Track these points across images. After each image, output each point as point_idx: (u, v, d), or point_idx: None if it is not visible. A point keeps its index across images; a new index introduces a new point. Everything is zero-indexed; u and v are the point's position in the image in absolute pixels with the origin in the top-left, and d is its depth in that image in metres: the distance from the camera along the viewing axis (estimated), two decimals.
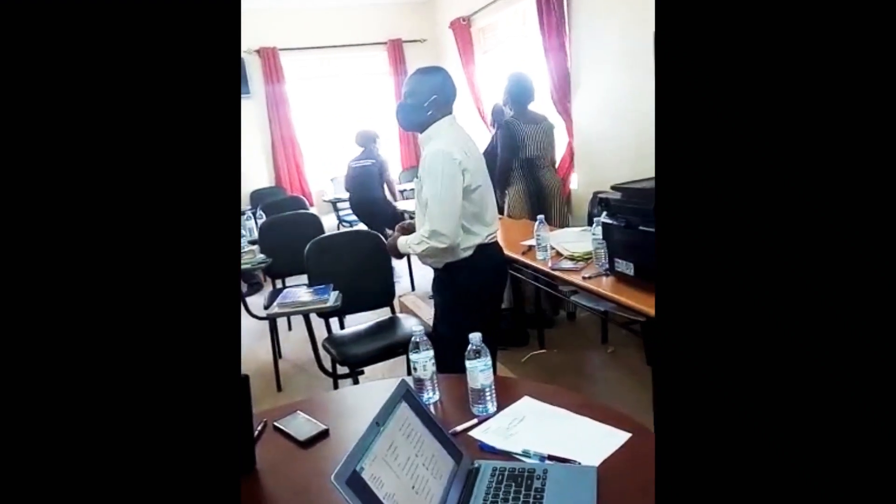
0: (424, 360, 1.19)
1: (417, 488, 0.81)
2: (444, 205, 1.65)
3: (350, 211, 4.52)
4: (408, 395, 0.93)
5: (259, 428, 1.15)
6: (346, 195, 4.39)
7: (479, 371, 1.12)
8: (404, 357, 2.48)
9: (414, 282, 4.06)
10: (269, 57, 5.09)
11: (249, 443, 1.02)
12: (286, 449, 1.10)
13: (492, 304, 1.89)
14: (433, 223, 1.65)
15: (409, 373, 2.49)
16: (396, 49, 5.54)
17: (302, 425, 1.15)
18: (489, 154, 2.92)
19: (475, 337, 1.13)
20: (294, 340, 3.32)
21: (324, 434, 1.12)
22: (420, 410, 0.93)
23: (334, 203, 5.08)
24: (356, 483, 0.73)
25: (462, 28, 4.90)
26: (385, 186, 4.29)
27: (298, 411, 1.21)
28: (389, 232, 2.01)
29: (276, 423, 1.16)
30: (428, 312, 3.13)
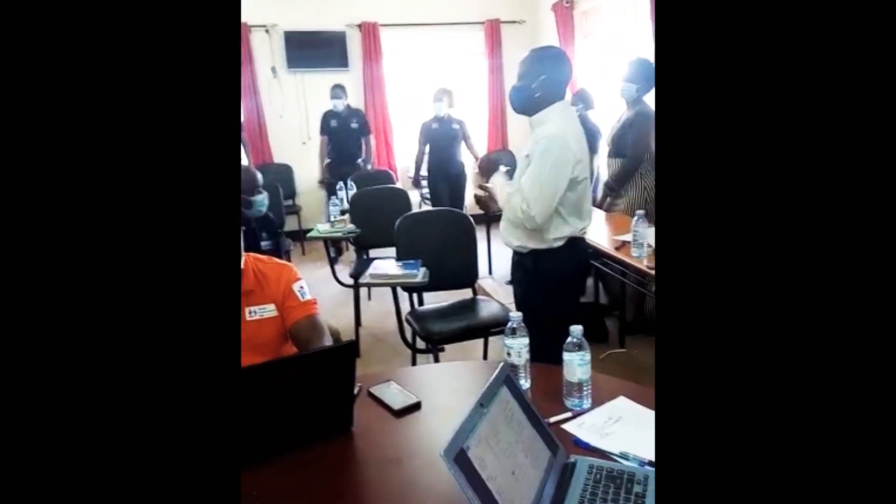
0: (520, 346, 1.18)
1: (517, 475, 0.81)
2: (545, 190, 1.61)
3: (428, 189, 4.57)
4: (508, 379, 0.93)
5: (356, 391, 1.19)
6: (428, 174, 4.43)
7: (578, 365, 1.10)
8: (481, 340, 2.51)
9: (492, 266, 4.05)
10: (369, 32, 5.18)
11: (349, 403, 1.06)
12: (380, 415, 1.14)
13: (573, 295, 1.85)
14: (532, 206, 1.62)
15: (484, 356, 2.54)
16: (494, 29, 5.46)
17: (395, 395, 1.18)
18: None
19: (576, 329, 1.10)
20: (373, 311, 3.42)
21: (416, 406, 1.15)
22: (519, 397, 0.93)
23: (418, 180, 5.15)
24: (462, 461, 0.74)
25: (564, 11, 4.74)
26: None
27: (391, 381, 1.24)
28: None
29: (370, 390, 1.20)
30: (505, 297, 3.12)
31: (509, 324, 1.18)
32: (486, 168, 4.41)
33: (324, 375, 1.01)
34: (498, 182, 1.82)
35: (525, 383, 1.20)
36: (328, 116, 4.38)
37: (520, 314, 1.19)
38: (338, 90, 4.32)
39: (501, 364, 0.96)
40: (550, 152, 1.60)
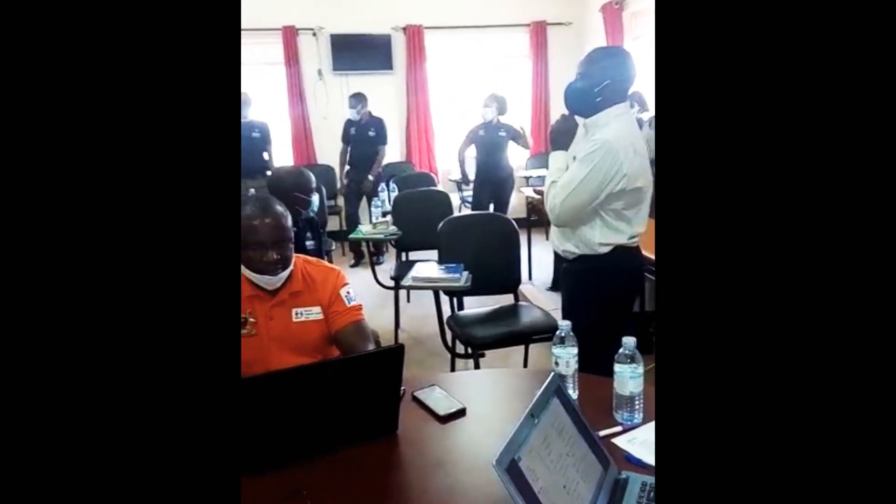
0: (569, 356, 1.15)
1: (568, 488, 0.79)
2: (577, 195, 1.56)
3: (471, 192, 4.54)
4: (559, 390, 0.91)
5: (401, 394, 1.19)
6: (472, 176, 4.41)
7: (630, 377, 1.06)
8: (521, 347, 2.47)
9: (532, 272, 4.01)
10: (413, 35, 5.22)
11: (395, 406, 1.06)
12: (424, 420, 1.13)
13: (622, 307, 1.79)
14: (558, 195, 1.58)
15: (525, 364, 2.50)
16: (539, 32, 5.41)
17: (440, 400, 1.17)
18: None
19: (629, 341, 1.07)
20: (411, 313, 3.43)
21: (461, 412, 1.14)
22: (570, 408, 0.91)
23: (459, 183, 5.15)
24: (514, 471, 0.72)
25: (614, 12, 4.66)
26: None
27: (436, 385, 1.23)
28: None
29: (415, 394, 1.20)
30: (546, 304, 3.08)
31: (558, 332, 1.15)
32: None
33: (372, 377, 1.01)
34: (556, 159, 1.71)
35: (573, 394, 1.17)
36: (348, 125, 4.41)
37: (569, 323, 1.16)
38: (354, 100, 4.34)
39: (552, 374, 0.94)
40: (593, 159, 1.53)
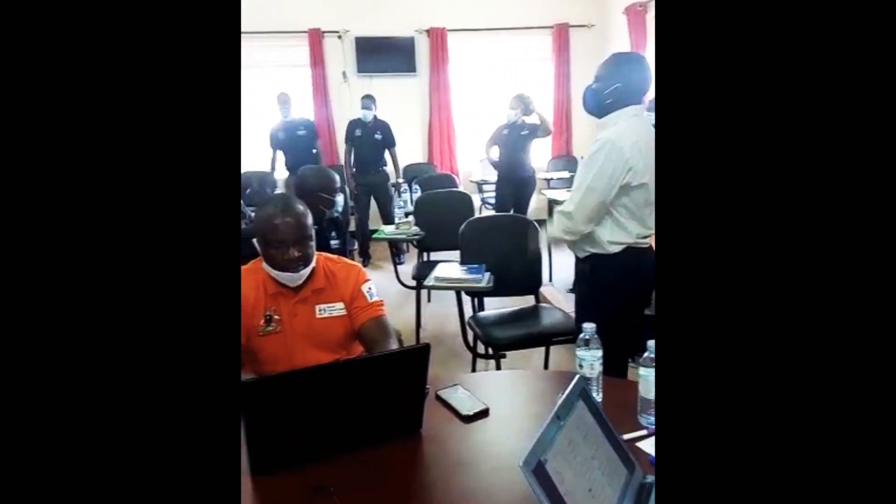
0: (593, 358, 1.14)
1: (594, 492, 0.79)
2: (587, 195, 1.59)
3: (492, 193, 4.54)
4: (584, 393, 0.90)
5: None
6: (494, 177, 4.41)
7: (654, 380, 1.05)
8: (541, 349, 2.46)
9: (552, 274, 3.98)
10: (437, 37, 5.24)
11: (420, 405, 1.07)
12: (447, 419, 1.13)
13: (633, 308, 1.78)
14: (568, 205, 1.62)
15: (545, 365, 2.49)
16: (562, 34, 5.39)
17: (463, 400, 1.18)
18: None
19: (653, 345, 1.06)
20: (431, 313, 3.44)
21: (484, 413, 1.14)
22: (595, 411, 0.90)
23: (480, 184, 5.15)
24: (541, 473, 0.72)
25: (638, 14, 4.61)
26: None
27: (458, 385, 1.24)
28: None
29: (438, 393, 1.20)
30: (567, 306, 3.06)
31: (582, 335, 1.15)
32: None
33: (398, 376, 1.02)
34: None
35: (597, 397, 1.16)
36: (353, 126, 4.36)
37: (593, 325, 1.15)
38: (368, 100, 4.34)
39: (577, 376, 0.94)
40: (596, 157, 1.57)
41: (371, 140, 4.36)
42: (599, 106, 1.67)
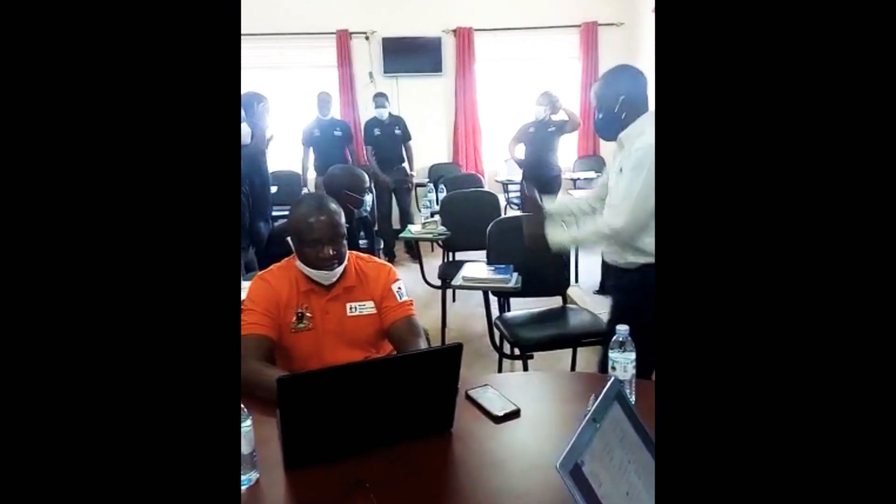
0: (626, 361, 1.13)
1: (631, 496, 0.78)
2: (637, 203, 1.54)
3: (517, 193, 4.52)
4: (620, 396, 0.89)
5: None
6: (518, 177, 4.39)
7: None
8: (567, 350, 2.44)
9: (579, 275, 3.94)
10: (463, 37, 5.24)
11: (452, 404, 1.07)
12: (478, 419, 1.13)
13: None
14: (615, 217, 1.57)
15: (572, 367, 2.47)
16: (590, 33, 5.33)
17: (493, 400, 1.17)
18: None
19: None
20: (456, 312, 3.44)
21: (516, 413, 1.14)
22: (631, 414, 0.89)
23: (505, 184, 5.13)
24: (578, 475, 0.71)
25: None
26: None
27: (489, 385, 1.24)
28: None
29: (468, 393, 1.20)
30: (594, 307, 3.02)
31: (616, 337, 1.14)
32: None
33: (431, 375, 1.02)
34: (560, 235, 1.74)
35: (631, 400, 1.15)
36: (371, 126, 4.39)
37: (626, 328, 1.14)
38: (382, 98, 4.36)
39: (612, 379, 0.92)
40: (644, 163, 1.53)
41: (391, 136, 4.39)
42: (616, 125, 1.63)
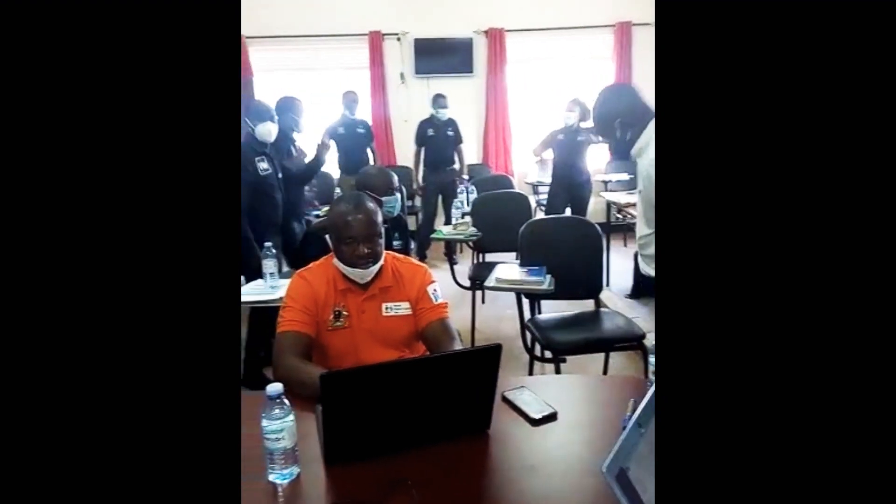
0: None
1: None
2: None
3: (545, 195, 4.49)
4: None
5: None
6: (548, 179, 4.36)
7: None
8: (600, 354, 2.41)
9: (610, 279, 3.89)
10: (495, 38, 5.22)
11: (490, 405, 1.07)
12: (515, 421, 1.13)
13: None
14: (640, 227, 1.57)
15: (604, 371, 2.44)
16: (624, 32, 5.25)
17: (530, 403, 1.17)
18: None
19: None
20: (486, 314, 3.43)
21: (553, 416, 1.13)
22: None
23: (535, 186, 5.10)
24: (623, 480, 0.71)
25: None
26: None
27: (525, 387, 1.23)
28: None
29: (505, 394, 1.20)
30: (626, 311, 2.98)
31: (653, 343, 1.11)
32: None
33: (470, 375, 1.02)
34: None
35: None
36: (424, 126, 4.42)
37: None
38: (442, 99, 4.38)
39: (654, 384, 0.91)
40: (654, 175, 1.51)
41: (445, 137, 4.43)
42: (623, 147, 1.58)
